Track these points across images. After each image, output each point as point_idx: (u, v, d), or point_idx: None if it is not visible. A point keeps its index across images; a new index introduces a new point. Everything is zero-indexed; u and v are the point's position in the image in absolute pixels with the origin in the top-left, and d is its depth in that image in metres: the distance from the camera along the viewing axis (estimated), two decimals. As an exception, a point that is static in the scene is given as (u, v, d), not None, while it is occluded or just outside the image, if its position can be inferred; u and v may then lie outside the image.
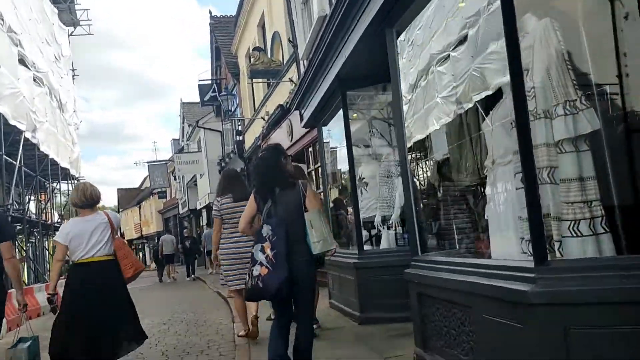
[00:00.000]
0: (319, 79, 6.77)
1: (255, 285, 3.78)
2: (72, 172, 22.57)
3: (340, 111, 6.65)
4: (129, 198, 55.54)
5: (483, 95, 3.56)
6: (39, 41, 17.17)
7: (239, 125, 19.05)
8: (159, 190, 40.47)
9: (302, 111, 8.43)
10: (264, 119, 14.10)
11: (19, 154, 14.42)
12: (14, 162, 14.22)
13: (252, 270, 3.81)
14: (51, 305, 4.81)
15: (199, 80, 20.53)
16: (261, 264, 3.77)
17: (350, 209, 7.19)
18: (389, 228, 6.60)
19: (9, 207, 13.66)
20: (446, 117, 4.17)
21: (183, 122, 30.26)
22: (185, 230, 26.28)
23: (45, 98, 17.77)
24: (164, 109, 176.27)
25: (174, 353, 6.09)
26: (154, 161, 30.60)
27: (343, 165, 7.67)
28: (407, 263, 4.36)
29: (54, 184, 21.14)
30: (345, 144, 6.57)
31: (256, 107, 16.09)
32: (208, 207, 25.11)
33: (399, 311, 5.28)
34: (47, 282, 13.28)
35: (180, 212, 34.71)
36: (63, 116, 21.01)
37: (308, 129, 10.03)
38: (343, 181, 8.14)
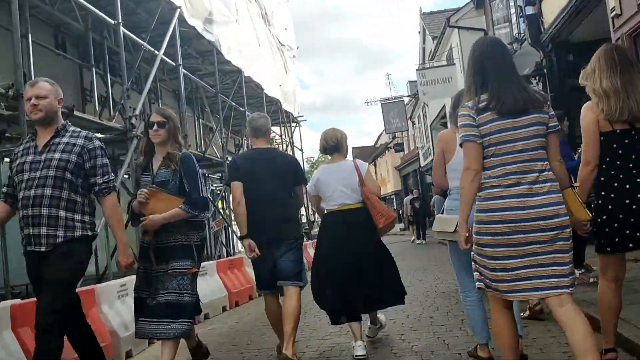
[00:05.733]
0: None
1: None
2: (286, 107, 17.24)
3: None
4: (364, 156, 51.38)
5: None
6: None
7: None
8: (396, 142, 34.48)
9: None
10: None
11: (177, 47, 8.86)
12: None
13: None
14: None
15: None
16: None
17: None
18: None
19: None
20: None
21: (424, 42, 22.90)
22: (415, 191, 20.89)
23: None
24: (395, 73, 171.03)
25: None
26: (388, 99, 24.03)
27: None
28: None
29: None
30: None
31: None
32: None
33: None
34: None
35: (422, 165, 27.91)
36: (269, 30, 15.67)
37: None
38: None
